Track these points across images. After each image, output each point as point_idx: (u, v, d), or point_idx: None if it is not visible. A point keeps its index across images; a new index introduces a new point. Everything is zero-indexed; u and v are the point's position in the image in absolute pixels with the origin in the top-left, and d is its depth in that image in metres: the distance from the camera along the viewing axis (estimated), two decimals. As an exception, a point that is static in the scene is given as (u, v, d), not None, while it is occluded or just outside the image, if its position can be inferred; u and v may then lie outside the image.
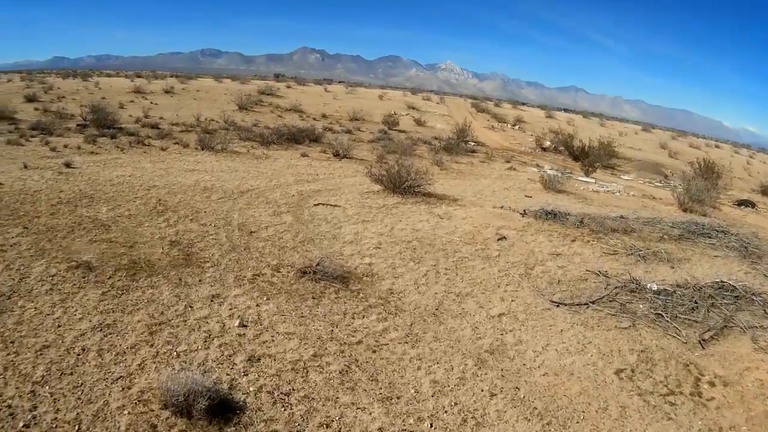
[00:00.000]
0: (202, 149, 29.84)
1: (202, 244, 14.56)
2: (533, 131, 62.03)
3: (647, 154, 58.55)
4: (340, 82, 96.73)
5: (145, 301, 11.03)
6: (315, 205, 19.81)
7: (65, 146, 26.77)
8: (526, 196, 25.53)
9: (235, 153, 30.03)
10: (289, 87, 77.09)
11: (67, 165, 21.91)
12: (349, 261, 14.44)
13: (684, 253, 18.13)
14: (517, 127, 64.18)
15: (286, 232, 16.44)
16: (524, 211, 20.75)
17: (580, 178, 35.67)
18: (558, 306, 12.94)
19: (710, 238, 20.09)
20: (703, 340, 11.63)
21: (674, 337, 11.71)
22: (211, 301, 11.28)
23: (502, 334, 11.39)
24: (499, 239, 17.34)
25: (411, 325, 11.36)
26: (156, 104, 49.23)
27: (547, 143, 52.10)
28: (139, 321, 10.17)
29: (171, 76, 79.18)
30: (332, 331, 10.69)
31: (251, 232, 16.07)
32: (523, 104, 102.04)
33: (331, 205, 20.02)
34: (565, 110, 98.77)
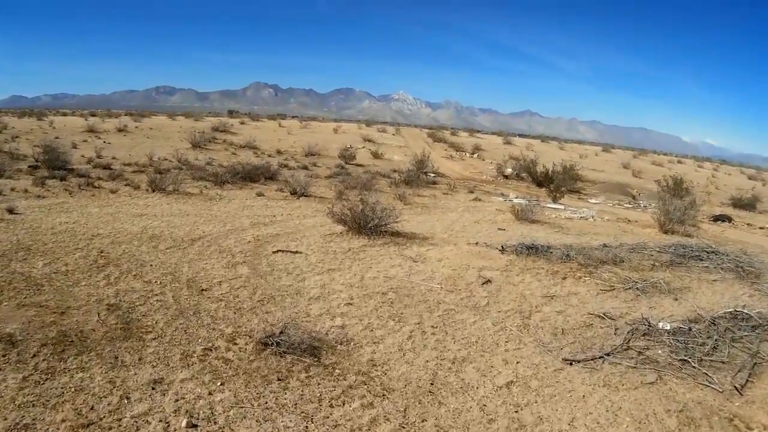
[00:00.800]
0: (153, 191, 27.89)
1: (144, 308, 12.37)
2: (492, 159, 60.87)
3: (611, 175, 57.45)
4: (293, 117, 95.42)
5: (73, 389, 8.77)
6: (274, 252, 17.90)
7: (12, 189, 25.24)
8: (499, 229, 23.93)
9: (188, 195, 27.97)
10: (243, 123, 75.50)
11: (10, 211, 20.30)
12: (318, 324, 12.27)
13: (681, 281, 16.82)
14: (475, 155, 62.41)
15: (243, 287, 14.32)
16: (502, 247, 19.03)
17: (549, 205, 34.10)
18: (571, 364, 10.94)
19: (701, 260, 19.03)
20: (739, 385, 10.11)
21: (707, 386, 10.07)
22: (153, 388, 8.99)
23: (517, 411, 9.15)
24: (483, 283, 15.48)
25: (405, 410, 8.98)
26: (109, 143, 47.31)
27: (509, 170, 50.77)
28: (63, 421, 7.93)
29: (125, 115, 76.78)
30: (307, 428, 8.31)
31: (202, 289, 13.93)
32: (479, 132, 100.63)
33: (291, 251, 18.11)
34: (521, 135, 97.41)
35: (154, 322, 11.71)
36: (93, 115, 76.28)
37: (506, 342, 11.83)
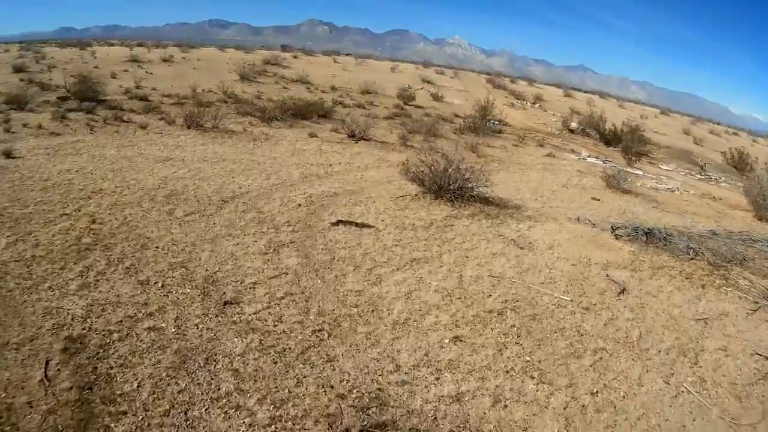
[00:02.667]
0: (189, 127, 22.93)
1: (124, 349, 7.28)
2: (554, 110, 54.66)
3: (673, 140, 51.35)
4: (347, 55, 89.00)
5: None
6: (333, 224, 12.89)
7: (24, 125, 20.45)
8: (593, 198, 19.27)
9: (229, 133, 23.04)
10: (295, 57, 68.12)
11: (6, 154, 15.97)
12: (418, 395, 7.16)
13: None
14: (537, 105, 56.38)
15: (289, 298, 9.14)
16: (612, 228, 14.78)
17: (627, 169, 28.48)
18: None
19: None
20: None
21: None
22: None
23: None
24: (619, 293, 11.03)
25: None
26: (151, 74, 41.77)
27: (574, 125, 45.02)
28: None
29: (174, 46, 70.78)
30: None
31: (225, 302, 8.72)
32: (536, 82, 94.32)
33: (357, 224, 13.09)
34: (573, 89, 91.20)
35: (133, 387, 6.61)
36: (140, 45, 69.98)
37: (693, 419, 7.53)
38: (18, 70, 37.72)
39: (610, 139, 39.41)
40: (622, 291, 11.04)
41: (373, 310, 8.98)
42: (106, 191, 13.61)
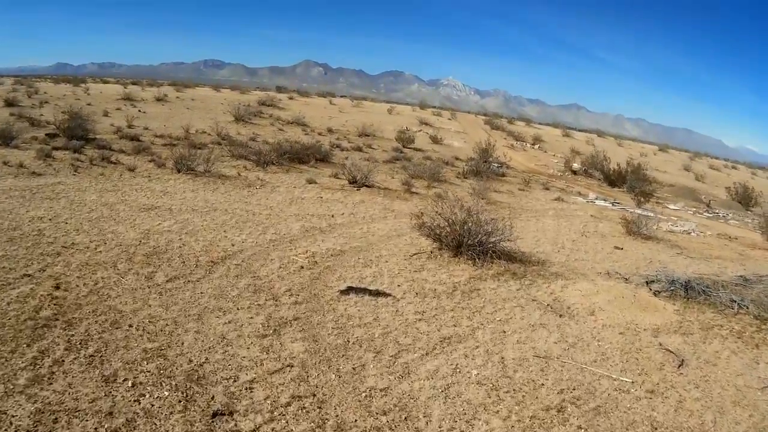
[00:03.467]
0: (179, 171, 21.12)
1: None
2: (554, 151, 53.61)
3: (674, 177, 50.10)
4: (342, 96, 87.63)
5: None
6: (343, 293, 10.81)
7: (5, 163, 19.26)
8: (615, 248, 17.81)
9: (222, 178, 21.25)
10: (291, 98, 66.64)
11: None
12: None
13: None
14: (537, 146, 55.29)
15: (297, 405, 7.02)
16: (648, 283, 13.46)
17: (637, 211, 27.01)
18: None
19: None
20: None
21: None
22: None
23: None
24: (679, 366, 9.51)
25: None
26: (144, 113, 40.47)
27: (576, 166, 43.78)
28: None
29: (169, 85, 69.67)
30: None
31: (214, 413, 6.60)
32: (532, 122, 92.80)
33: (370, 292, 11.00)
34: (570, 128, 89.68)
35: None
36: (134, 83, 68.98)
37: None
38: (9, 104, 36.67)
39: (615, 179, 38.23)
40: (681, 363, 9.61)
41: (406, 418, 6.92)
42: (79, 246, 11.77)
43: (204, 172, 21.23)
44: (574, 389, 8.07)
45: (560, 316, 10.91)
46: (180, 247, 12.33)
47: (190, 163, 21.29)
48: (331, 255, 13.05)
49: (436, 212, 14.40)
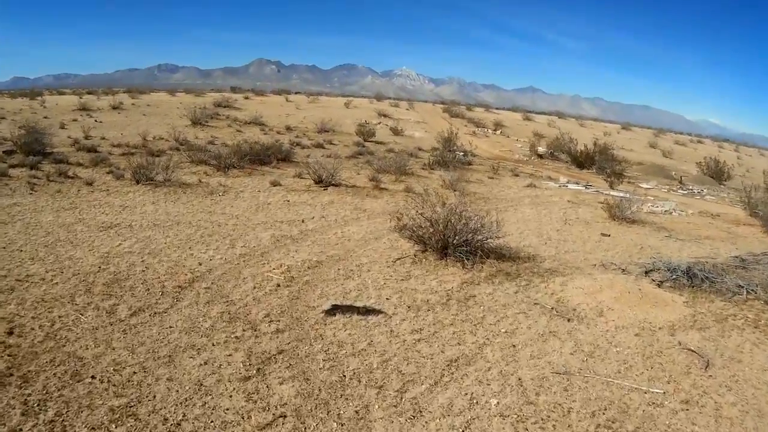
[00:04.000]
0: (137, 182, 19.79)
1: None
2: (517, 136, 53.03)
3: (641, 155, 49.45)
4: (296, 93, 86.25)
5: None
6: (327, 312, 9.65)
7: None
8: (602, 234, 17.09)
9: (183, 186, 19.94)
10: (247, 98, 65.17)
11: None
12: None
13: None
14: (498, 132, 54.71)
15: None
16: (646, 273, 12.64)
17: (612, 193, 26.35)
18: None
19: None
20: None
21: None
22: None
23: None
24: (705, 368, 8.66)
25: None
26: (101, 122, 39.16)
27: (542, 150, 43.10)
28: None
29: (124, 92, 67.87)
30: None
31: None
32: (491, 107, 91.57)
33: (357, 310, 9.84)
34: (529, 112, 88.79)
35: None
36: (90, 93, 66.57)
37: None
38: (-35, 122, 34.29)
39: (583, 161, 37.63)
40: (707, 364, 8.76)
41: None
42: (34, 278, 10.43)
43: (164, 182, 19.98)
44: (605, 410, 7.07)
45: (568, 320, 9.92)
46: (143, 271, 11.07)
47: (148, 172, 20.02)
48: (308, 267, 11.89)
49: (417, 212, 13.36)
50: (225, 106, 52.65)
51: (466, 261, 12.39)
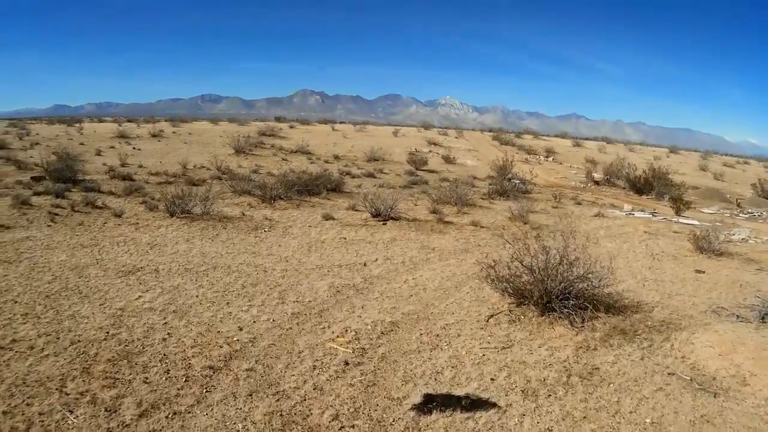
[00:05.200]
0: (172, 215, 17.18)
1: None
2: (569, 162, 50.19)
3: (694, 178, 46.38)
4: (341, 123, 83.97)
5: None
6: (418, 409, 6.70)
7: None
8: (696, 271, 14.74)
9: (223, 220, 17.29)
10: (292, 127, 62.82)
11: None
12: None
13: None
14: (551, 158, 51.94)
15: None
16: (763, 319, 10.50)
17: (681, 220, 24.50)
18: None
19: None
20: None
21: None
22: None
23: None
24: None
25: None
26: (139, 150, 37.25)
27: (598, 176, 40.55)
28: None
29: (165, 121, 65.85)
30: None
31: None
32: (538, 134, 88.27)
33: (458, 402, 6.91)
34: (582, 139, 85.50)
35: None
36: (130, 121, 64.60)
37: None
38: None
39: (641, 186, 35.32)
40: None
41: None
42: (21, 345, 7.86)
43: (202, 215, 17.38)
44: None
45: (714, 395, 7.73)
46: (164, 340, 8.24)
47: (184, 204, 17.41)
48: (382, 333, 9.02)
49: (513, 257, 10.47)
50: (270, 135, 50.46)
51: (574, 317, 9.64)
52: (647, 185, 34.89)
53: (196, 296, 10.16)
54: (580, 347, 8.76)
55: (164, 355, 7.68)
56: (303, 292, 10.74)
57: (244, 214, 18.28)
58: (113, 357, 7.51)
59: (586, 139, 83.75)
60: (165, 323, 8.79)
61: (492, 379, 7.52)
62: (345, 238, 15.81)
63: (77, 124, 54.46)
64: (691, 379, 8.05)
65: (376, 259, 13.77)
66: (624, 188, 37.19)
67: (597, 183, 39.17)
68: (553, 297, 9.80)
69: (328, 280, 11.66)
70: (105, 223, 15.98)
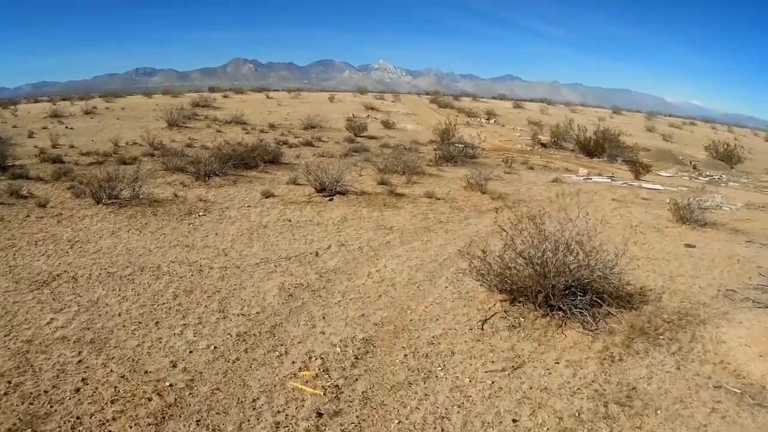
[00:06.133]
0: (98, 202, 14.84)
1: None
2: (511, 124, 48.68)
3: (643, 140, 44.85)
4: (275, 90, 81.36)
5: None
6: None
7: None
8: (687, 246, 13.32)
9: (153, 204, 15.07)
10: (226, 97, 60.27)
11: None
12: None
13: None
14: (492, 121, 50.24)
15: None
16: None
17: (645, 185, 22.90)
18: None
19: None
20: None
21: None
22: None
23: None
24: None
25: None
26: (71, 129, 34.63)
27: (545, 138, 39.10)
28: None
29: (99, 97, 62.73)
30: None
31: None
32: (477, 97, 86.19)
33: None
34: (521, 100, 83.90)
35: None
36: (65, 99, 60.07)
37: None
38: (-77, 135, 30.53)
39: (593, 149, 34.01)
40: None
41: None
42: None
43: (131, 199, 15.20)
44: None
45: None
46: (76, 391, 6.11)
47: (111, 188, 15.22)
48: (356, 357, 7.00)
49: (506, 244, 8.57)
50: (203, 106, 47.89)
51: (587, 317, 7.83)
52: (598, 147, 33.87)
53: (119, 314, 8.03)
54: (604, 358, 7.06)
55: (77, 418, 5.58)
56: (248, 300, 8.70)
57: (176, 195, 16.19)
58: (13, 427, 5.42)
59: (526, 100, 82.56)
60: (80, 361, 6.64)
61: (514, 421, 5.74)
62: (290, 221, 13.85)
63: (12, 106, 51.05)
64: (741, 393, 6.57)
65: (329, 246, 11.82)
66: (573, 151, 35.97)
67: (544, 146, 37.90)
68: (557, 293, 7.98)
69: (276, 280, 9.66)
70: (27, 216, 13.80)
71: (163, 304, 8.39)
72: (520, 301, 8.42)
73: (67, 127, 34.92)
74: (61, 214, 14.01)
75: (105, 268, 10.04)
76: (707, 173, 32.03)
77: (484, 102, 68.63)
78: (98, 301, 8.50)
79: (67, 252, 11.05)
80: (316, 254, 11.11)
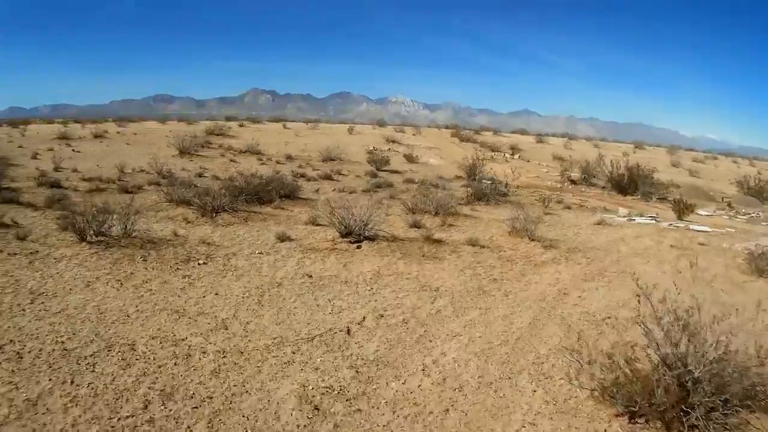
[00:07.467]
0: (81, 240, 12.24)
1: None
2: (537, 159, 46.37)
3: (671, 175, 43.84)
4: (292, 121, 79.45)
5: None
6: None
7: None
8: None
9: (147, 246, 12.40)
10: (242, 126, 58.12)
11: None
12: None
13: None
14: (517, 156, 47.81)
15: None
16: None
17: (694, 227, 20.33)
18: None
19: None
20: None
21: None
22: None
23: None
24: None
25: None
26: (78, 152, 32.81)
27: (575, 175, 36.83)
28: None
29: (113, 121, 60.71)
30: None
31: None
32: (498, 131, 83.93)
33: None
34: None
35: None
36: (77, 122, 58.36)
37: None
38: (-76, 153, 29.33)
39: (626, 186, 31.93)
40: None
41: None
42: None
43: (122, 237, 12.62)
44: None
45: None
46: None
47: (99, 224, 12.62)
48: None
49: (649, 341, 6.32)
50: (218, 134, 46.06)
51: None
52: (632, 184, 31.73)
53: (58, 432, 5.19)
54: None
55: None
56: (252, 419, 5.90)
57: (176, 235, 13.61)
58: None
59: (547, 135, 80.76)
60: None
61: None
62: (311, 276, 11.03)
63: (23, 126, 49.46)
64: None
65: (364, 318, 9.00)
66: (604, 188, 33.67)
67: (574, 182, 35.66)
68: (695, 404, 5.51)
69: (294, 378, 6.83)
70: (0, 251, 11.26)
71: (127, 417, 5.61)
72: (641, 415, 5.84)
73: (74, 150, 33.31)
74: (37, 252, 11.56)
75: (62, 342, 7.41)
76: (744, 210, 30.13)
77: (506, 137, 66.88)
78: (37, 403, 5.86)
79: (24, 310, 8.47)
80: (348, 332, 8.37)
